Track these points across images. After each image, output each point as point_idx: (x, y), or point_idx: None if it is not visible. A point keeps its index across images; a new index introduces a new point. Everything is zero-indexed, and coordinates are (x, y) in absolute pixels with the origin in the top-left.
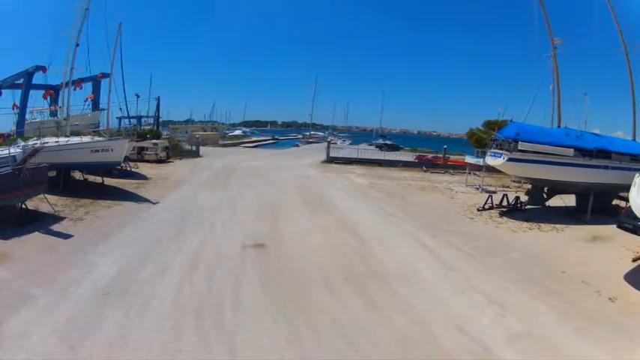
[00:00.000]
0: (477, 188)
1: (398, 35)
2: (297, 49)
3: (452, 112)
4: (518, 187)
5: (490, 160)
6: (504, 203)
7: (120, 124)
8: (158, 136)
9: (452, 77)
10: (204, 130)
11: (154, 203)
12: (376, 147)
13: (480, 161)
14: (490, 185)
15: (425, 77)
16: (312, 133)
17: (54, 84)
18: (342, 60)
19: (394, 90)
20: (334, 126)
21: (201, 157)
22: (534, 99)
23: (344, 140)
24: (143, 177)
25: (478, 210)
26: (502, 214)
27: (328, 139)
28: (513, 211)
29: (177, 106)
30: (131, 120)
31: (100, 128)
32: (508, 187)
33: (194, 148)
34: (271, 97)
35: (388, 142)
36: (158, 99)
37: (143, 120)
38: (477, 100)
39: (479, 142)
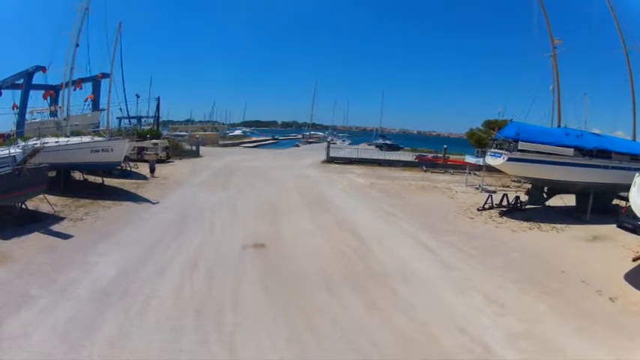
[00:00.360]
0: (477, 188)
1: (398, 35)
2: (297, 50)
3: (451, 111)
4: (518, 187)
5: (490, 160)
6: (504, 203)
7: (120, 125)
8: (158, 136)
9: (451, 77)
10: (204, 130)
11: (154, 203)
12: (376, 147)
13: (479, 161)
14: (490, 185)
15: (424, 77)
16: (311, 133)
17: (54, 84)
18: (341, 60)
19: (394, 90)
20: (334, 126)
21: (201, 157)
22: (534, 99)
23: (344, 140)
24: (143, 177)
25: (478, 210)
26: (502, 214)
27: (328, 139)
28: (513, 211)
29: (177, 107)
30: (131, 120)
31: (100, 128)
32: (508, 186)
33: (194, 148)
34: (271, 98)
35: (388, 141)
36: (158, 99)
37: (143, 120)
38: (476, 99)
39: (479, 141)
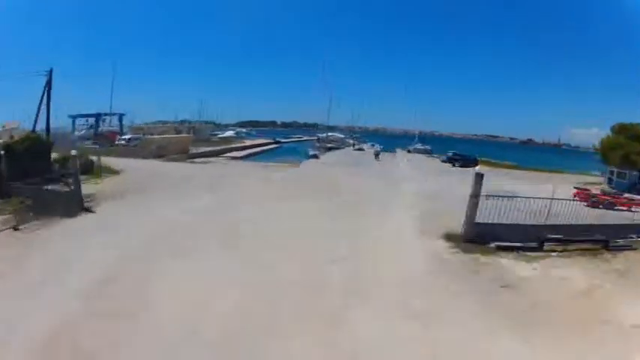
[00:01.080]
0: None
1: (385, 35)
2: (297, 44)
3: (448, 110)
4: None
5: None
6: None
7: (74, 125)
8: (47, 148)
9: (448, 76)
10: (177, 132)
11: None
12: (448, 161)
13: None
14: None
15: (421, 76)
16: (329, 135)
17: None
18: (347, 54)
19: (391, 88)
20: (337, 126)
21: (89, 212)
22: None
23: (373, 145)
24: None
25: None
26: None
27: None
28: None
29: (166, 106)
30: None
31: None
32: None
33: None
34: (269, 96)
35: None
36: (49, 74)
37: (105, 119)
38: (474, 99)
39: (626, 157)
